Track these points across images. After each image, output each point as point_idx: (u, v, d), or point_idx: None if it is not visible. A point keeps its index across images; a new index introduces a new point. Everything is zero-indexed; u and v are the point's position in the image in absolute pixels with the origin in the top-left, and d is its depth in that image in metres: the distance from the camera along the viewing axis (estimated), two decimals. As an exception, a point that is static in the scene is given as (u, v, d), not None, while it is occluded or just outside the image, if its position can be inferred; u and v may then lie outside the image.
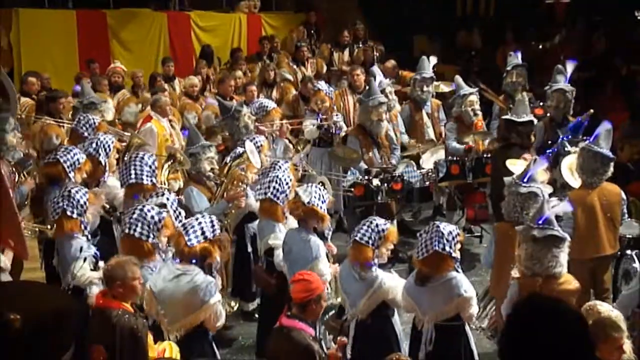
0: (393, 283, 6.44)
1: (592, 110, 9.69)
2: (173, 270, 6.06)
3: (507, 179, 7.11)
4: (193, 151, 8.23)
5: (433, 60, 11.95)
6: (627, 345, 5.26)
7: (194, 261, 6.04)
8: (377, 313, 6.43)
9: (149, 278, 6.15)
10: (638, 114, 12.76)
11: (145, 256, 6.32)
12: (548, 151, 8.98)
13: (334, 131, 11.01)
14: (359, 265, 6.42)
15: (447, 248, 6.08)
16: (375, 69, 12.46)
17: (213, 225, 6.13)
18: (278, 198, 7.35)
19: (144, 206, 6.56)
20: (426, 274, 6.17)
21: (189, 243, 6.00)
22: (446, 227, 6.20)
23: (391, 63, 13.63)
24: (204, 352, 6.11)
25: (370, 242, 6.36)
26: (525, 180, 6.87)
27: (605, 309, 5.65)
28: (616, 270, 8.06)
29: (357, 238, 6.38)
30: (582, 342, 2.96)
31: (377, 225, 6.43)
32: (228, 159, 8.53)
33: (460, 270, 6.31)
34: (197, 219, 6.14)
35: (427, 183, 10.11)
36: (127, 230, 6.35)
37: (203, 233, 6.05)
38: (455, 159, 10.07)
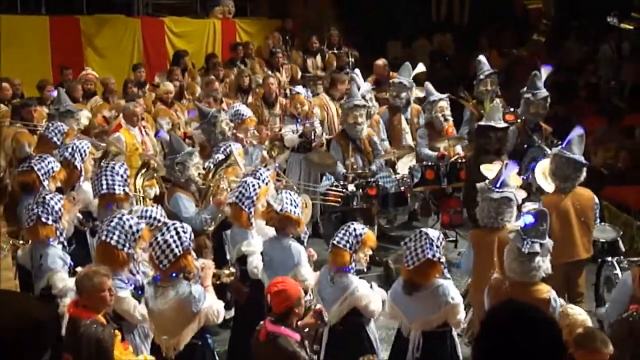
0: (367, 291, 6.39)
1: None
2: (156, 288, 6.01)
3: (479, 185, 7.13)
4: (180, 160, 8.08)
5: (420, 67, 11.97)
6: None
7: (174, 275, 5.99)
8: (349, 320, 6.39)
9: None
10: (614, 118, 12.87)
11: (119, 265, 6.23)
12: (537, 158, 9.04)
13: (312, 137, 10.97)
14: (336, 270, 6.40)
15: (437, 254, 6.07)
16: (356, 73, 12.45)
17: (180, 237, 6.00)
18: (243, 203, 7.28)
19: (122, 215, 6.50)
20: (416, 283, 6.13)
21: (161, 266, 5.94)
22: (434, 233, 6.19)
23: (382, 61, 13.59)
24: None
25: (348, 246, 6.34)
26: (497, 185, 6.90)
27: (574, 312, 5.69)
28: (597, 277, 8.11)
29: (335, 242, 6.36)
30: (556, 348, 2.95)
31: (355, 230, 6.42)
32: (207, 164, 8.48)
33: (449, 276, 6.32)
34: (162, 235, 5.99)
35: (402, 188, 10.11)
36: (103, 237, 6.26)
37: (172, 251, 5.93)
38: (430, 164, 10.08)
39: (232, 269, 7.07)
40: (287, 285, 5.62)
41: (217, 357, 6.35)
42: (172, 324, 5.97)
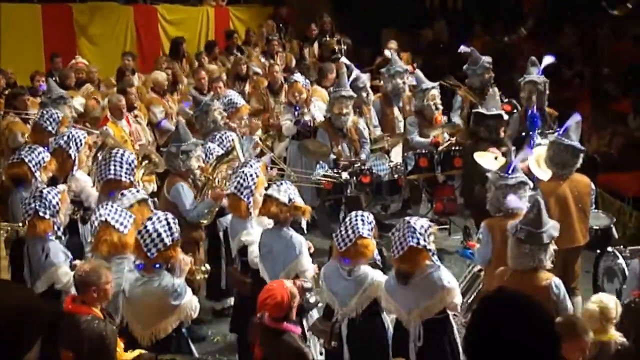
0: (383, 279, 6.42)
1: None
2: (139, 277, 6.02)
3: (490, 175, 7.13)
4: (185, 149, 8.05)
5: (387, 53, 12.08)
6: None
7: (157, 266, 6.00)
8: (367, 310, 6.43)
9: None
10: (600, 105, 12.85)
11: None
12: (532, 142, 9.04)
13: (311, 124, 10.94)
14: (350, 263, 6.40)
15: (422, 241, 6.08)
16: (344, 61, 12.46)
17: (170, 227, 6.03)
18: (242, 193, 7.28)
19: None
20: (406, 272, 6.14)
21: (149, 255, 5.94)
22: (417, 221, 6.20)
23: (394, 43, 13.70)
24: (181, 350, 6.10)
25: (371, 235, 6.40)
26: (510, 172, 6.92)
27: (606, 299, 5.67)
28: (595, 268, 8.10)
29: (363, 234, 6.35)
30: (547, 338, 2.93)
31: (368, 217, 6.48)
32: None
33: (438, 262, 6.31)
34: (152, 224, 6.00)
35: (396, 176, 10.11)
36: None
37: (162, 240, 5.95)
38: (423, 152, 10.07)
39: (208, 266, 7.09)
40: (277, 296, 5.42)
41: (192, 346, 6.36)
42: (151, 315, 5.98)
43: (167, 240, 5.96)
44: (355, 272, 6.40)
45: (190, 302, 6.06)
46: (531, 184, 7.08)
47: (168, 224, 6.02)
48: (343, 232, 6.41)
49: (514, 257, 6.08)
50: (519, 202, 6.69)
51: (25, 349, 2.77)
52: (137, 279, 6.03)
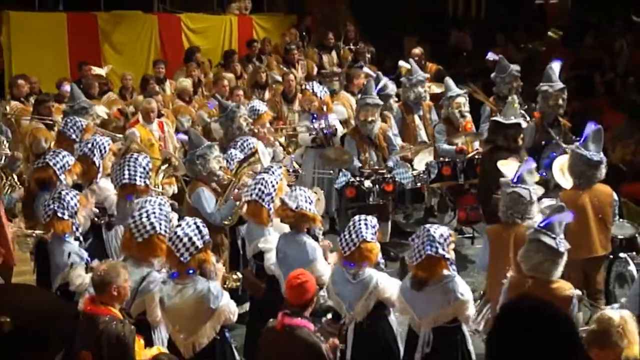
0: (388, 282, 6.44)
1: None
2: (174, 285, 6.05)
3: (502, 180, 7.10)
4: (200, 153, 8.07)
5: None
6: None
7: (191, 272, 6.02)
8: (374, 313, 6.43)
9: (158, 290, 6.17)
10: (634, 114, 12.74)
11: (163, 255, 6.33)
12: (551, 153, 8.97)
13: (326, 132, 10.91)
14: (355, 267, 6.41)
15: (440, 250, 6.06)
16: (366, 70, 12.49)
17: (200, 231, 6.07)
18: (263, 200, 7.29)
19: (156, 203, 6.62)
20: (422, 278, 6.14)
21: (182, 259, 5.97)
22: (437, 230, 6.18)
23: (419, 50, 13.73)
24: (226, 357, 6.17)
25: (375, 239, 6.41)
26: (514, 181, 6.88)
27: (618, 313, 5.55)
28: (608, 272, 8.04)
29: (367, 238, 6.37)
30: (570, 346, 2.92)
31: (371, 221, 6.48)
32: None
33: (455, 271, 6.30)
34: (182, 229, 6.04)
35: (419, 184, 10.09)
36: (157, 230, 6.33)
37: (193, 244, 5.99)
38: (446, 160, 10.04)
39: (239, 274, 7.10)
40: (306, 278, 5.65)
41: (235, 352, 6.39)
42: (190, 321, 6.00)
43: (199, 243, 6.01)
44: (360, 276, 6.42)
45: (228, 305, 6.08)
46: (534, 198, 6.98)
47: (197, 227, 6.08)
48: (347, 236, 6.44)
49: (552, 269, 5.97)
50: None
51: (55, 353, 2.78)
52: (172, 288, 6.06)
